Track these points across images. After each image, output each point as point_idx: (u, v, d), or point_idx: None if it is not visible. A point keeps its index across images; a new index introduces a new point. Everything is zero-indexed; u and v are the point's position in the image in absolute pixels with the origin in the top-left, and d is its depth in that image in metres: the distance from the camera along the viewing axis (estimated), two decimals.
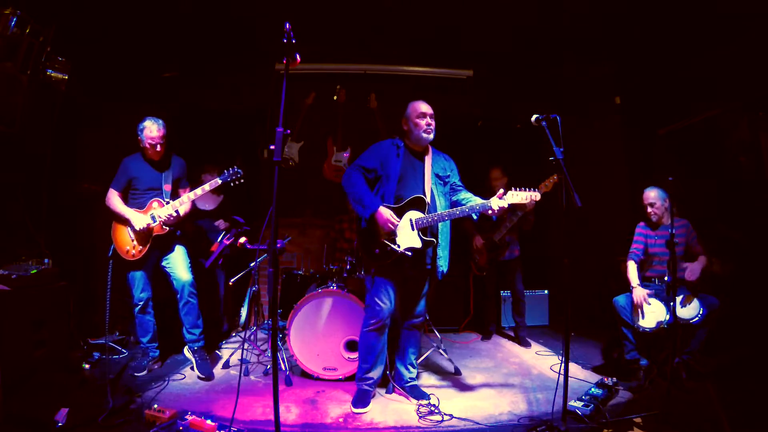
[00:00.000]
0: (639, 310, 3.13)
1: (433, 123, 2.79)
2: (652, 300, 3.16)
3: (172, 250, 3.28)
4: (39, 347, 2.87)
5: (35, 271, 2.97)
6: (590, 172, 4.51)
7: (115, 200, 3.19)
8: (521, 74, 4.93)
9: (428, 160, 2.83)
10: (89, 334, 3.65)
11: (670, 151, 4.20)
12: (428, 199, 2.71)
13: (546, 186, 3.88)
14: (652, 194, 3.32)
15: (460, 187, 2.91)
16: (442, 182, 2.84)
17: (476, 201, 2.76)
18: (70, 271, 3.32)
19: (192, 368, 3.24)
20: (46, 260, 3.14)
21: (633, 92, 4.57)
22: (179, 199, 3.18)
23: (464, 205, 2.75)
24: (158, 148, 3.17)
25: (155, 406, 2.47)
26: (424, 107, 2.80)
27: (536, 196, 2.62)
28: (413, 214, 2.68)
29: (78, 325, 3.58)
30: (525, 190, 2.63)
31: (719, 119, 3.78)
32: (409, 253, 2.64)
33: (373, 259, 2.71)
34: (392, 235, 2.66)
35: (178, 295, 3.24)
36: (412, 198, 2.69)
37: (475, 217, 2.74)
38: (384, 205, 2.66)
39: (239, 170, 3.08)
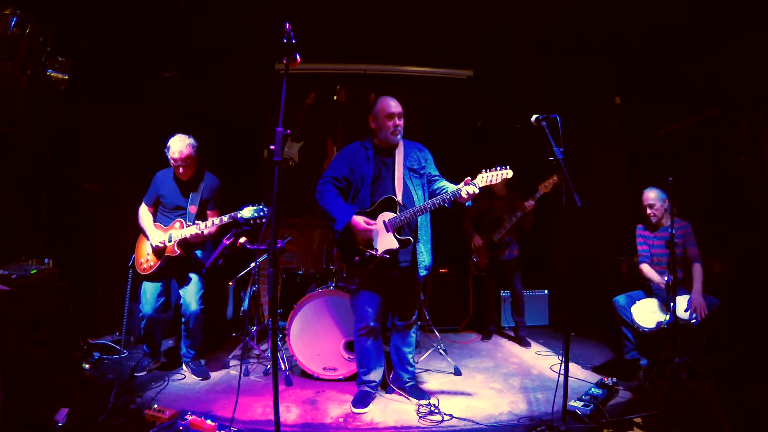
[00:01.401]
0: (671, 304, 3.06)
1: (401, 123, 2.74)
2: (652, 300, 3.16)
3: (187, 281, 3.21)
4: (39, 347, 2.87)
5: (35, 271, 2.96)
6: (590, 172, 4.52)
7: (141, 214, 3.19)
8: (521, 74, 4.93)
9: (399, 155, 2.79)
10: (89, 334, 3.65)
11: (670, 151, 4.20)
12: (399, 198, 2.68)
13: (546, 187, 3.90)
14: (651, 195, 3.31)
15: (437, 177, 2.85)
16: (417, 175, 2.80)
17: (450, 189, 2.66)
18: (70, 271, 3.32)
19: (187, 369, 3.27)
20: (46, 260, 3.13)
21: (633, 92, 4.57)
22: (203, 222, 3.02)
23: (438, 195, 2.68)
24: (181, 170, 3.06)
25: (155, 406, 2.47)
26: (392, 107, 2.73)
27: (507, 173, 2.51)
28: (385, 216, 2.65)
29: (78, 325, 3.58)
30: (495, 170, 2.51)
31: (719, 119, 3.78)
32: (387, 256, 2.63)
33: (353, 267, 2.71)
34: (370, 241, 2.65)
35: (183, 320, 3.21)
36: (383, 199, 2.67)
37: (447, 206, 2.65)
38: (358, 211, 2.66)
39: (265, 209, 2.82)
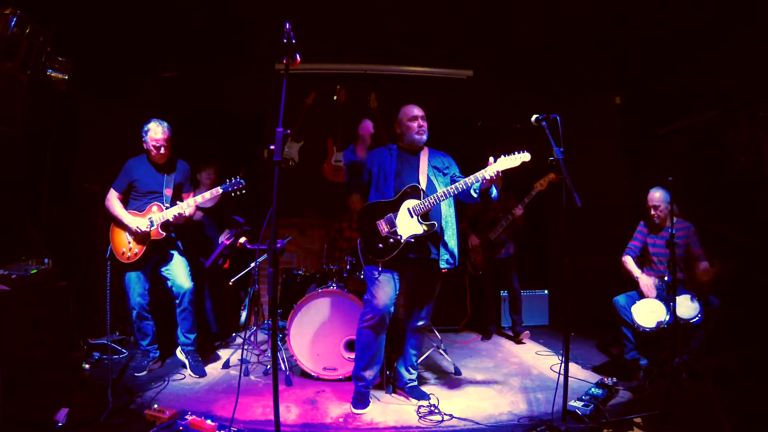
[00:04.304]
0: (648, 297, 3.14)
1: (425, 124, 2.84)
2: (653, 300, 3.16)
3: (170, 258, 3.24)
4: (39, 347, 2.87)
5: (35, 271, 2.96)
6: (590, 172, 4.51)
7: (114, 202, 3.17)
8: (521, 74, 4.93)
9: (424, 156, 2.87)
10: (89, 334, 3.65)
11: (670, 151, 4.20)
12: (423, 186, 2.73)
13: (541, 185, 3.95)
14: (656, 195, 3.31)
15: (461, 177, 2.86)
16: (441, 173, 2.86)
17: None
18: (70, 271, 3.32)
19: (184, 367, 3.28)
20: (46, 260, 3.13)
21: (633, 92, 4.57)
22: (185, 202, 3.12)
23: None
24: (162, 150, 3.13)
25: (155, 406, 2.47)
26: (415, 111, 2.85)
27: (525, 157, 2.54)
28: (410, 203, 2.69)
29: (78, 325, 3.58)
30: (514, 154, 2.55)
31: (719, 119, 3.78)
32: (412, 240, 2.65)
33: (377, 255, 2.70)
34: (393, 227, 2.67)
35: (177, 301, 3.22)
36: (408, 187, 2.72)
37: (475, 195, 2.70)
38: (384, 201, 2.72)
39: (242, 181, 3.03)
